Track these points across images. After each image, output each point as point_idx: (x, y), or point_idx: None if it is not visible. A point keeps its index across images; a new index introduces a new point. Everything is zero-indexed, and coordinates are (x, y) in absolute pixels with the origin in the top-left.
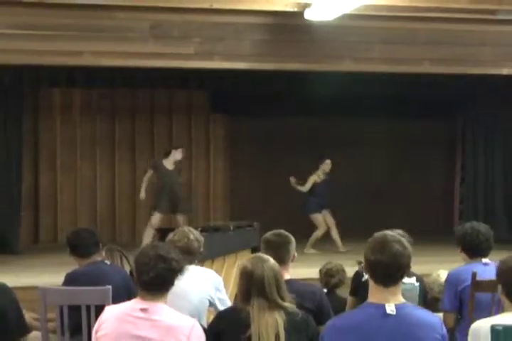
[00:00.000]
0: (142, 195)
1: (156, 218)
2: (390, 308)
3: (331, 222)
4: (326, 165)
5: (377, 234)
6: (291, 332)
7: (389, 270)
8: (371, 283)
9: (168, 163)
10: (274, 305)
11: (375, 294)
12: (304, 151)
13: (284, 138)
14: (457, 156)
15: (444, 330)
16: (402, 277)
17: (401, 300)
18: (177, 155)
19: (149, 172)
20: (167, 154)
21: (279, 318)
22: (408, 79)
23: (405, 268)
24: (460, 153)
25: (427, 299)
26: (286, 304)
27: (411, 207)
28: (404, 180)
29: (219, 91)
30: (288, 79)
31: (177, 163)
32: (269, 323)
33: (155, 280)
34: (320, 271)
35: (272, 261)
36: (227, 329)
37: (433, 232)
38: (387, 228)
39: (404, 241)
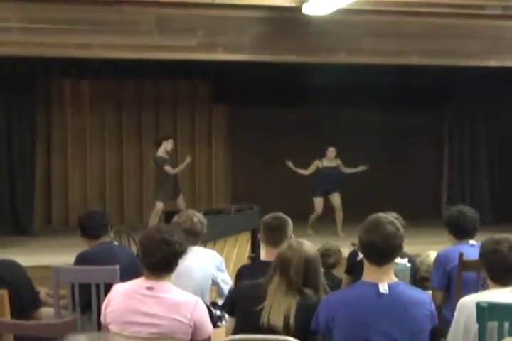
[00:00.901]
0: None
1: (160, 206)
2: (383, 287)
3: (336, 206)
4: (329, 152)
5: (371, 216)
6: (302, 314)
7: (382, 250)
8: (365, 263)
9: (162, 153)
10: (294, 288)
11: (369, 273)
12: (303, 139)
13: (283, 126)
14: (445, 144)
15: (433, 307)
16: (394, 257)
17: (393, 278)
18: (168, 145)
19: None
20: (158, 144)
21: (292, 299)
22: (399, 71)
23: (398, 248)
24: (448, 141)
25: (416, 278)
26: (307, 290)
27: (402, 191)
28: (396, 167)
29: (221, 82)
30: (287, 70)
31: (170, 153)
32: (283, 301)
33: (160, 262)
34: (317, 250)
35: (308, 246)
36: (243, 300)
37: (423, 216)
38: (379, 212)
39: (397, 222)
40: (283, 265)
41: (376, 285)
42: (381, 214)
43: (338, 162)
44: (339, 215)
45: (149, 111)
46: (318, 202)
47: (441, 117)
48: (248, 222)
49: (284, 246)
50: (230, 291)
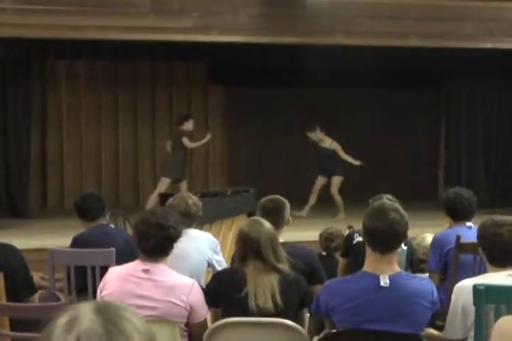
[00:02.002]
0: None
1: (167, 182)
2: (384, 280)
3: (332, 188)
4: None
5: (376, 202)
6: (285, 291)
7: (386, 237)
8: (368, 251)
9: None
10: (269, 267)
11: (371, 263)
12: (301, 121)
13: (281, 108)
14: (442, 125)
15: (435, 295)
16: (398, 245)
17: (396, 269)
18: (189, 125)
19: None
20: (179, 124)
21: (273, 279)
22: (397, 52)
23: (402, 236)
24: (444, 123)
25: (413, 261)
26: (281, 266)
27: (398, 173)
28: (393, 148)
29: (217, 64)
30: (283, 52)
31: (189, 134)
32: (265, 283)
33: (155, 247)
34: (320, 235)
35: (267, 224)
36: (224, 289)
37: (420, 197)
38: (376, 193)
39: (402, 209)
40: (252, 246)
41: (377, 278)
42: (386, 201)
43: (332, 145)
44: (334, 197)
45: (145, 93)
46: (315, 184)
47: (438, 99)
48: (245, 205)
49: (244, 228)
50: (209, 282)
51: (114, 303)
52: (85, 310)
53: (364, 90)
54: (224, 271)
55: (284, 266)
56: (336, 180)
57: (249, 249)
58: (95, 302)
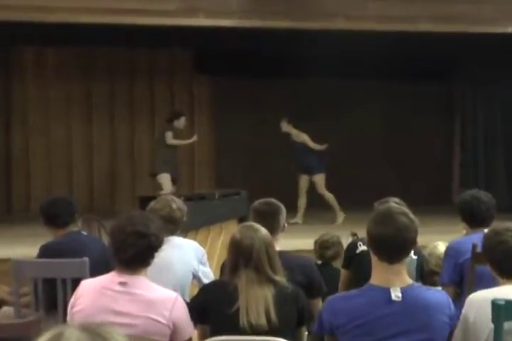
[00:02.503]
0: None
1: (168, 177)
2: (396, 293)
3: (319, 189)
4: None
5: (382, 206)
6: (281, 306)
7: (394, 245)
8: (374, 260)
9: (173, 128)
10: (263, 278)
11: (379, 274)
12: (296, 113)
13: (272, 100)
14: (456, 120)
15: (453, 309)
16: (407, 253)
17: (407, 280)
18: (179, 124)
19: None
20: (170, 121)
21: (268, 292)
22: (404, 38)
23: (411, 243)
24: (459, 117)
25: (424, 272)
26: (277, 277)
27: (407, 174)
28: (400, 146)
29: (203, 51)
30: (278, 38)
31: (179, 133)
32: (259, 296)
33: (134, 257)
34: (315, 242)
35: (263, 230)
36: (213, 304)
37: (431, 201)
38: (382, 196)
39: (411, 213)
40: (245, 254)
41: (387, 291)
42: (393, 204)
43: (300, 137)
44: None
45: (122, 83)
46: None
47: (451, 89)
48: (235, 209)
49: (236, 234)
50: (196, 296)
51: (96, 321)
52: (69, 327)
53: (368, 81)
54: (212, 283)
55: (281, 278)
56: (319, 180)
57: (241, 258)
58: (77, 323)
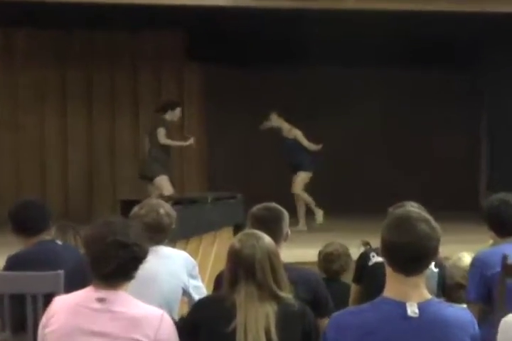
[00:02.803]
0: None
1: (165, 179)
2: (412, 309)
3: (295, 187)
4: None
5: (398, 210)
6: (284, 327)
7: (412, 254)
8: (389, 272)
9: (166, 121)
10: (266, 294)
11: (393, 286)
12: (300, 107)
13: (271, 90)
14: (482, 115)
15: (477, 329)
16: (427, 264)
17: (425, 295)
18: (174, 116)
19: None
20: (162, 111)
21: (270, 309)
22: (423, 20)
23: (432, 253)
24: (485, 109)
25: (447, 286)
26: (282, 293)
27: (425, 175)
28: (416, 143)
29: (195, 34)
30: (279, 20)
31: (171, 126)
32: (259, 314)
33: (116, 271)
34: (319, 253)
35: (267, 238)
36: (206, 322)
37: (454, 206)
38: (399, 200)
39: (432, 219)
40: (245, 266)
41: (403, 306)
42: (412, 209)
43: (292, 133)
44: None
45: (102, 71)
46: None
47: (476, 80)
48: (230, 215)
49: (235, 243)
50: (188, 313)
51: None
52: None
53: (381, 69)
54: (207, 298)
55: (287, 294)
56: (301, 178)
57: (241, 270)
58: None
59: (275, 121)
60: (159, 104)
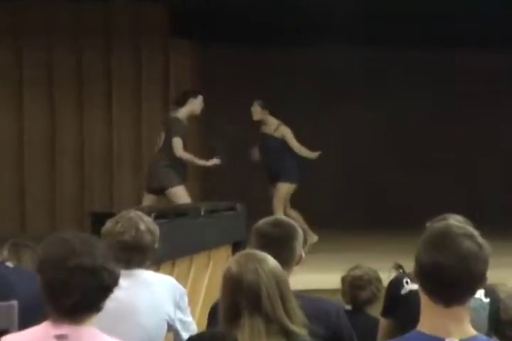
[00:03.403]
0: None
1: (182, 189)
2: None
3: (275, 201)
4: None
5: (437, 224)
6: None
7: (453, 279)
8: (424, 300)
9: (184, 117)
10: (276, 329)
11: (430, 319)
12: (308, 95)
13: (277, 75)
14: None
15: None
16: (473, 292)
17: (470, 331)
18: (196, 106)
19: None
20: (180, 104)
21: None
22: None
23: (479, 278)
24: None
25: (501, 322)
26: (295, 328)
27: (470, 180)
28: (456, 140)
29: (182, 8)
30: None
31: (191, 118)
32: None
33: (77, 304)
34: (343, 279)
35: (271, 260)
36: None
37: (506, 220)
38: (437, 213)
39: (480, 236)
40: (248, 295)
41: None
42: (453, 223)
43: (279, 131)
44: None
45: (67, 50)
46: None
47: None
48: (228, 231)
49: (233, 267)
50: None
51: None
52: None
53: (408, 50)
54: (201, 337)
55: (300, 329)
56: (283, 189)
57: (244, 301)
58: None
59: (258, 113)
60: (177, 96)
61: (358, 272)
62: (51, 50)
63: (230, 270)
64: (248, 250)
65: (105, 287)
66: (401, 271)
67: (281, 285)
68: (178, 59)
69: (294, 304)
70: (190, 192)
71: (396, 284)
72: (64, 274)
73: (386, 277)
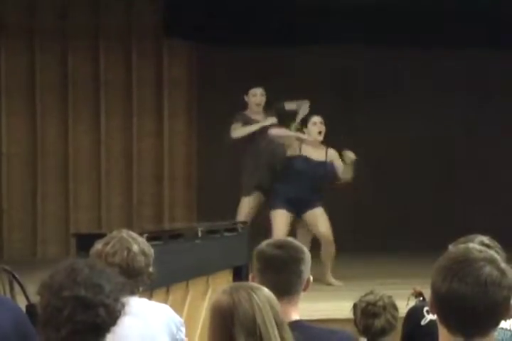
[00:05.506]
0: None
1: (245, 203)
2: None
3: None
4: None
5: (455, 248)
6: None
7: (473, 309)
8: (443, 333)
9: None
10: None
11: None
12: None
13: (281, 78)
14: None
15: None
16: (496, 324)
17: None
18: (255, 99)
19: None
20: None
21: None
22: None
23: (503, 307)
24: None
25: None
26: None
27: (499, 196)
28: (483, 151)
29: (176, 7)
30: None
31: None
32: None
33: (68, 338)
34: (355, 306)
35: (264, 290)
36: None
37: None
38: (463, 233)
39: (504, 262)
40: (246, 330)
41: None
42: (476, 246)
43: (330, 153)
44: (326, 251)
45: (50, 51)
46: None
47: None
48: (229, 253)
49: (222, 301)
50: None
51: None
52: None
53: (428, 49)
54: None
55: None
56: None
57: (241, 336)
58: None
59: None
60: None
61: (371, 298)
62: (32, 51)
63: (219, 302)
64: (235, 283)
65: (98, 324)
66: (422, 298)
67: (277, 317)
68: (172, 61)
69: (290, 335)
70: (187, 211)
71: (415, 313)
72: (58, 302)
73: (403, 305)
